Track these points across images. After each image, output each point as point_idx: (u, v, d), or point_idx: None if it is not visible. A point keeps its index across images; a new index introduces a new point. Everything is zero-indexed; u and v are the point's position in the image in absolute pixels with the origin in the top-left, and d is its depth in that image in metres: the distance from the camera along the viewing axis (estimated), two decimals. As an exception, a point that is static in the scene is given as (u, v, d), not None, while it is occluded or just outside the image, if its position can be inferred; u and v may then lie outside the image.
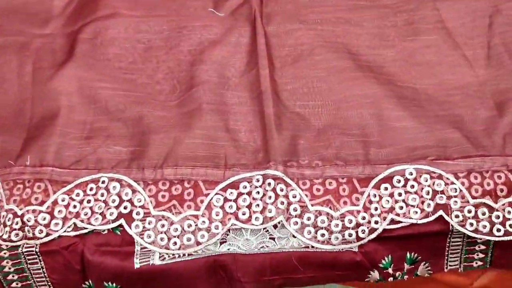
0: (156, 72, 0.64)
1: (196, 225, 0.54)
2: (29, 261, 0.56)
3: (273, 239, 0.55)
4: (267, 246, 0.55)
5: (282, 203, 0.54)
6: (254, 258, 0.55)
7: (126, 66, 0.64)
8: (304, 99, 0.60)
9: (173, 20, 0.67)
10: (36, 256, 0.56)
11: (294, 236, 0.55)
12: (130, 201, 0.56)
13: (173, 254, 0.55)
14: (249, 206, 0.54)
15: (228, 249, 0.55)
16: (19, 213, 0.55)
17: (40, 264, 0.56)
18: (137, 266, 0.55)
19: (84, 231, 0.56)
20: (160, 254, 0.55)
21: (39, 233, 0.55)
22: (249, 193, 0.55)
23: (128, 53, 0.65)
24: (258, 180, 0.55)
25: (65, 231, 0.56)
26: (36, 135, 0.60)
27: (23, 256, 0.56)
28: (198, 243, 0.54)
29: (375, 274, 0.55)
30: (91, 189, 0.57)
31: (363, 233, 0.53)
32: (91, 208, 0.56)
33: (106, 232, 0.56)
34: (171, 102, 0.61)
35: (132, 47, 0.66)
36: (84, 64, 0.64)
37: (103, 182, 0.57)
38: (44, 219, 0.55)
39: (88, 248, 0.56)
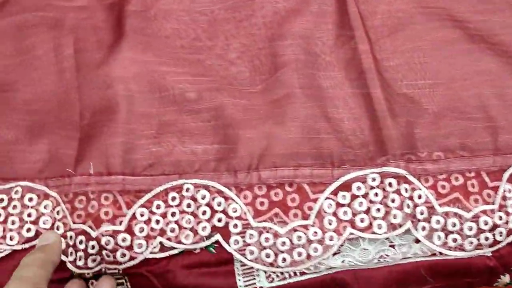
0: (227, 51, 0.53)
1: (307, 236, 0.45)
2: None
3: (393, 246, 0.47)
4: (387, 255, 0.47)
5: (408, 206, 0.45)
6: (378, 272, 0.47)
7: (190, 44, 0.53)
8: (411, 78, 0.51)
9: None
10: (122, 276, 0.48)
11: (416, 242, 0.47)
12: (224, 212, 0.47)
13: (281, 273, 0.46)
14: (367, 211, 0.46)
15: (343, 261, 0.47)
16: (94, 234, 0.45)
17: (126, 285, 0.48)
18: (241, 289, 0.46)
19: (173, 251, 0.46)
20: (266, 273, 0.46)
21: (121, 257, 0.45)
22: (365, 196, 0.46)
23: (189, 28, 0.54)
24: (374, 180, 0.46)
25: (151, 252, 0.45)
26: (93, 134, 0.50)
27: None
28: (309, 257, 0.46)
29: (505, 278, 0.49)
30: (173, 198, 0.47)
31: (501, 235, 0.46)
32: (177, 222, 0.46)
33: (198, 250, 0.46)
34: (254, 87, 0.50)
35: (192, 20, 0.54)
36: (138, 43, 0.52)
37: (187, 190, 0.47)
38: (124, 240, 0.45)
39: (180, 271, 0.47)
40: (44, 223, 0.48)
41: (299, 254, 0.46)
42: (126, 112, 0.50)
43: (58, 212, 0.48)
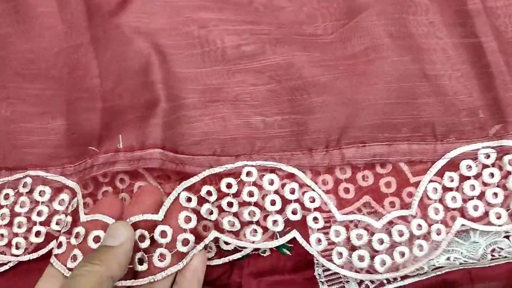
0: None
1: (410, 231, 0.33)
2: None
3: (508, 237, 0.36)
4: (500, 249, 0.36)
5: (537, 188, 0.34)
6: (496, 271, 0.37)
7: None
8: None
9: None
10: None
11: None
12: (298, 201, 0.34)
13: (378, 280, 0.34)
14: (480, 197, 0.34)
15: (448, 258, 0.36)
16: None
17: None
18: (329, 303, 0.34)
19: (235, 256, 0.33)
20: (356, 280, 0.34)
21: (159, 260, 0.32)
22: (476, 176, 0.35)
23: None
24: (488, 156, 0.35)
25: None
26: (120, 104, 0.38)
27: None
28: (415, 259, 0.34)
29: None
30: (228, 185, 0.34)
31: None
32: (236, 215, 0.33)
33: (268, 252, 0.35)
34: (326, 37, 0.38)
35: None
36: None
37: (248, 174, 0.34)
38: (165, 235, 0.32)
39: (247, 279, 0.36)
40: (57, 224, 0.36)
41: (402, 254, 0.34)
42: (163, 73, 0.36)
43: (73, 206, 0.35)
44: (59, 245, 0.33)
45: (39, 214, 0.36)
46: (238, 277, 0.36)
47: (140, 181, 0.35)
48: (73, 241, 0.32)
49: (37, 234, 0.36)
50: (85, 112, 0.37)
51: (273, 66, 0.37)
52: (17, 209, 0.36)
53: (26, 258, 0.35)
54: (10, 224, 0.36)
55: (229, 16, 0.39)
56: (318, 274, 0.36)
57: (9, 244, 0.36)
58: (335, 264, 0.35)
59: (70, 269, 0.31)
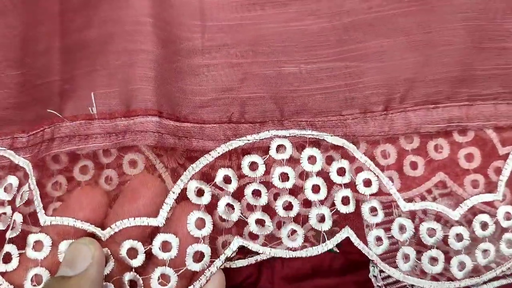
0: None
1: (496, 222, 0.24)
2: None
3: None
4: None
5: None
6: None
7: None
8: None
9: None
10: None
11: None
12: (350, 185, 0.24)
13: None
14: None
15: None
16: (102, 237, 0.23)
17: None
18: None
19: (261, 257, 0.25)
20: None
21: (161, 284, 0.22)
22: None
23: None
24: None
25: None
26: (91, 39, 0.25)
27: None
28: (503, 259, 0.25)
29: None
30: (252, 165, 0.24)
31: None
32: (266, 209, 0.24)
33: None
34: None
35: None
36: None
37: (278, 148, 0.26)
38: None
39: (281, 285, 0.28)
40: None
41: (486, 254, 0.24)
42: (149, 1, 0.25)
43: (22, 196, 0.24)
44: (6, 258, 0.22)
45: None
46: (268, 282, 0.27)
47: (131, 153, 0.24)
48: (31, 254, 0.21)
49: None
50: (42, 55, 0.24)
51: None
52: None
53: None
54: None
55: None
56: (374, 276, 0.26)
57: None
58: (401, 270, 0.25)
59: None
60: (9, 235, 0.24)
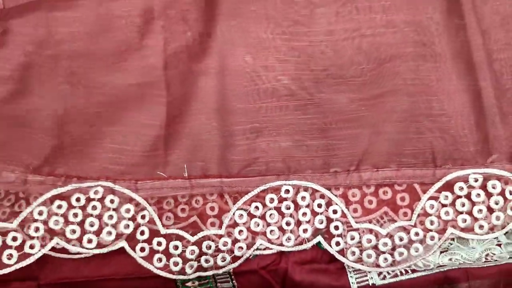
0: (331, 37, 0.49)
1: (409, 237, 0.45)
2: (218, 280, 0.48)
3: (500, 245, 0.47)
4: (493, 254, 0.48)
5: (512, 208, 0.45)
6: (487, 271, 0.48)
7: (288, 30, 0.49)
8: None
9: None
10: (228, 275, 0.48)
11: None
12: (325, 213, 0.46)
13: (393, 271, 0.46)
14: (469, 212, 0.45)
15: (450, 259, 0.47)
16: (192, 240, 0.46)
17: (232, 283, 0.48)
18: (354, 287, 0.47)
19: (284, 248, 0.47)
20: (377, 271, 0.47)
21: (222, 261, 0.46)
22: (467, 196, 0.46)
23: (287, 11, 0.49)
24: (476, 180, 0.45)
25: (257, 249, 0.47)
26: (182, 133, 0.48)
27: (211, 277, 0.48)
28: (412, 257, 0.46)
29: None
30: (271, 200, 0.46)
31: None
32: (279, 227, 0.47)
33: (310, 247, 0.47)
34: (355, 79, 0.48)
35: (289, 3, 0.50)
36: (229, 30, 0.49)
37: (286, 191, 0.46)
38: (226, 243, 0.45)
39: (292, 267, 0.48)
40: (125, 228, 0.46)
41: (400, 254, 0.46)
42: (220, 109, 0.47)
43: (143, 217, 0.46)
44: (142, 249, 0.46)
45: (110, 217, 0.46)
46: (285, 264, 0.48)
47: (197, 197, 0.48)
48: (155, 247, 0.45)
49: (109, 233, 0.46)
50: (152, 139, 0.47)
51: (313, 103, 0.47)
52: (89, 211, 0.46)
53: (97, 251, 0.46)
54: (82, 223, 0.46)
55: (280, 58, 0.49)
56: (347, 265, 0.48)
57: (79, 239, 0.45)
58: (350, 260, 0.47)
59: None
60: (140, 238, 0.48)
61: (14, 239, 0.44)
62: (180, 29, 0.49)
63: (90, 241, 0.45)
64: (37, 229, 0.44)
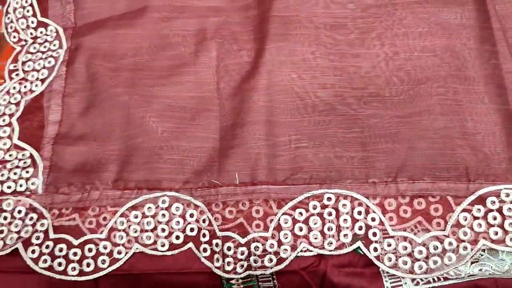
0: (366, 60, 0.55)
1: (443, 246, 0.48)
2: (260, 279, 0.51)
3: None
4: None
5: (542, 222, 0.48)
6: None
7: (332, 51, 0.55)
8: None
9: None
10: (270, 275, 0.51)
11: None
12: (364, 220, 0.49)
13: (426, 278, 0.49)
14: (501, 225, 0.48)
15: (480, 270, 0.50)
16: (242, 241, 0.49)
17: (273, 282, 0.51)
18: (389, 291, 0.50)
19: (324, 251, 0.50)
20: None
21: (269, 262, 0.49)
22: (499, 210, 0.49)
23: (332, 34, 0.56)
24: (508, 195, 0.49)
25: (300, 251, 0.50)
26: (234, 144, 0.52)
27: (255, 276, 0.51)
28: (444, 266, 0.49)
29: None
30: (314, 207, 0.50)
31: None
32: (321, 231, 0.50)
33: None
34: (393, 98, 0.52)
35: (335, 27, 0.56)
36: (279, 52, 0.55)
37: (328, 199, 0.50)
38: (272, 246, 0.49)
39: (330, 269, 0.50)
40: (191, 231, 0.51)
41: (435, 262, 0.49)
42: (268, 122, 0.52)
43: (204, 221, 0.51)
44: (204, 250, 0.50)
45: (177, 223, 0.51)
46: (324, 266, 0.50)
47: (254, 205, 0.51)
48: (214, 248, 0.50)
49: (177, 237, 0.51)
50: (201, 148, 0.53)
51: (354, 118, 0.52)
52: (159, 219, 0.52)
53: (169, 253, 0.51)
54: (155, 229, 0.52)
55: (324, 78, 0.54)
56: (382, 270, 0.50)
57: (155, 243, 0.51)
58: (386, 266, 0.50)
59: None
60: (203, 240, 0.53)
61: (105, 247, 0.51)
62: (232, 48, 0.54)
63: (163, 245, 0.51)
64: (121, 238, 0.51)
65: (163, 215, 0.51)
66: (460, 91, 0.52)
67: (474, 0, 0.55)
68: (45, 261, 0.50)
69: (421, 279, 0.49)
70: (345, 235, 0.50)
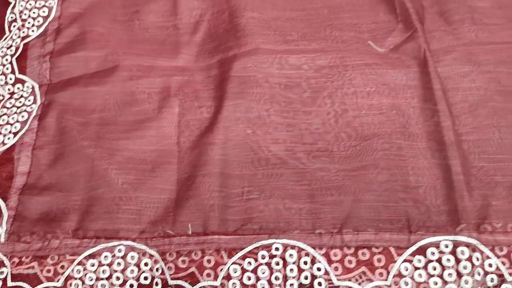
0: (317, 117, 0.58)
1: None
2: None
3: None
4: None
5: (479, 273, 0.50)
6: None
7: (285, 109, 0.59)
8: (489, 152, 0.55)
9: (331, 55, 0.61)
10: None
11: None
12: (310, 270, 0.52)
13: None
14: (440, 275, 0.50)
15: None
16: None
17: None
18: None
19: None
20: None
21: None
22: (438, 260, 0.51)
23: (286, 93, 0.60)
24: (447, 246, 0.51)
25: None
26: (189, 195, 0.55)
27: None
28: None
29: None
30: (263, 256, 0.53)
31: None
32: (269, 280, 0.52)
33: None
34: (341, 153, 0.56)
35: (289, 87, 0.60)
36: (235, 110, 0.59)
37: (276, 249, 0.52)
38: (220, 295, 0.51)
39: None
40: (144, 279, 0.53)
41: None
42: (222, 174, 0.55)
43: (157, 269, 0.53)
44: None
45: (131, 272, 0.54)
46: None
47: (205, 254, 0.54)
48: None
49: (131, 286, 0.53)
50: (160, 196, 0.56)
51: (303, 172, 0.55)
52: (115, 267, 0.54)
53: None
54: (109, 277, 0.54)
55: (275, 133, 0.58)
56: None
57: None
58: None
59: None
60: None
61: None
62: (193, 104, 0.58)
63: None
64: (77, 286, 0.53)
65: (119, 263, 0.53)
66: (404, 147, 0.55)
67: (418, 63, 0.59)
68: None
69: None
70: (291, 285, 0.52)
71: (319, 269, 0.52)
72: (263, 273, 0.52)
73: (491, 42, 0.61)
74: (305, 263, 0.52)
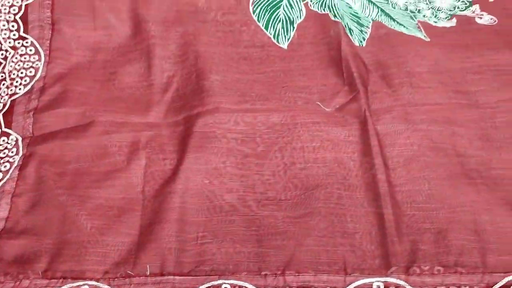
0: (268, 169, 0.65)
1: None
2: None
3: None
4: None
5: (407, 313, 0.55)
6: None
7: (240, 162, 0.66)
8: (419, 202, 0.62)
9: (283, 114, 0.69)
10: None
11: None
12: None
13: None
14: (372, 314, 0.55)
15: None
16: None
17: None
18: None
19: None
20: None
21: None
22: (371, 300, 0.56)
23: (242, 147, 0.66)
24: (379, 287, 0.56)
25: None
26: (150, 239, 0.61)
27: None
28: None
29: None
30: (213, 296, 0.57)
31: None
32: None
33: None
34: (287, 201, 0.62)
35: (244, 141, 0.67)
36: (196, 162, 0.65)
37: None
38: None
39: None
40: None
41: None
42: (181, 220, 0.61)
43: None
44: None
45: None
46: None
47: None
48: None
49: None
50: (122, 238, 0.62)
51: (253, 218, 0.61)
52: None
53: None
54: None
55: (230, 183, 0.64)
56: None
57: None
58: None
59: None
60: None
61: None
62: (158, 157, 0.66)
63: None
64: None
65: None
66: (344, 196, 0.62)
67: (359, 121, 0.67)
68: None
69: None
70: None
71: (263, 308, 0.57)
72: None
73: (425, 103, 0.69)
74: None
